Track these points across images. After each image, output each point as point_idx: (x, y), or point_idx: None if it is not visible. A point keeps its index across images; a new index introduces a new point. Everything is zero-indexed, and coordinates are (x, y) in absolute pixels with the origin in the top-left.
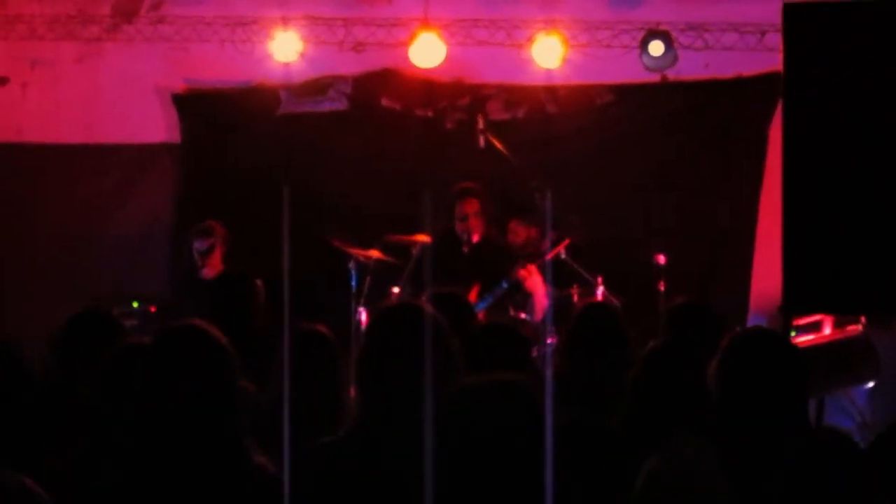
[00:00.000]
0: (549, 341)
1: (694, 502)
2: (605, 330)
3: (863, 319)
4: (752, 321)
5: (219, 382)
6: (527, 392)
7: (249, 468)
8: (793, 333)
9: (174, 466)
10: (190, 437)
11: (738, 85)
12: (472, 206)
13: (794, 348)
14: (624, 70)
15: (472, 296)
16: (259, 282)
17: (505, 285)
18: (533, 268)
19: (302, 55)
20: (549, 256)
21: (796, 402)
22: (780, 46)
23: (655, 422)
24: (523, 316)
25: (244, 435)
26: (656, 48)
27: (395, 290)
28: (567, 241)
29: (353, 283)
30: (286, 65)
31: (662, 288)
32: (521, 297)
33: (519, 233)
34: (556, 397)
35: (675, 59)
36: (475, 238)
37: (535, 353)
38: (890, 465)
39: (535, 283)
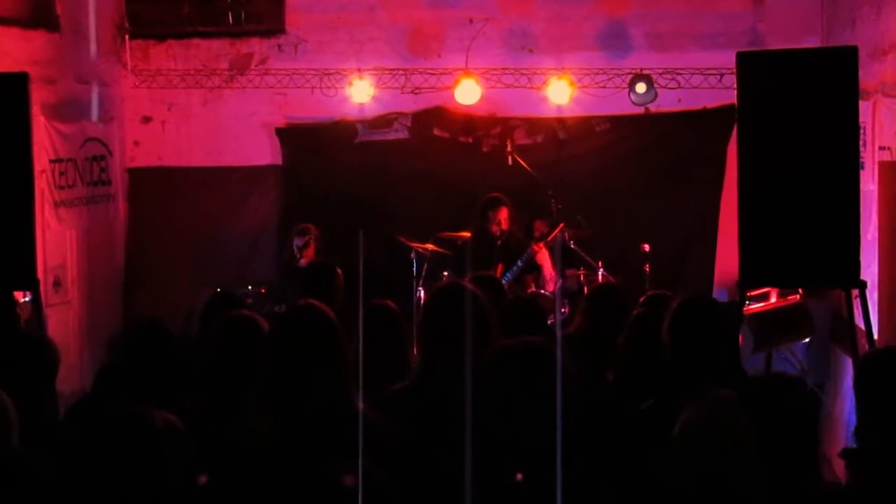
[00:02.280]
0: (562, 310)
1: (726, 446)
2: (615, 303)
3: (801, 291)
4: (717, 293)
5: (332, 346)
6: (547, 351)
7: (355, 411)
8: (747, 302)
9: (295, 413)
10: (309, 388)
11: (704, 115)
12: (503, 214)
13: (720, 308)
14: (616, 105)
15: (498, 272)
16: (339, 269)
17: (520, 263)
18: (541, 245)
19: (373, 97)
20: (550, 238)
21: (729, 351)
22: (735, 85)
23: (640, 374)
24: (542, 292)
25: (352, 389)
26: (641, 88)
27: (445, 273)
28: (561, 225)
29: (414, 269)
30: (361, 105)
31: (648, 269)
32: (535, 272)
33: (538, 228)
34: (568, 354)
35: (656, 95)
36: (504, 235)
37: (550, 321)
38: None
39: (544, 257)
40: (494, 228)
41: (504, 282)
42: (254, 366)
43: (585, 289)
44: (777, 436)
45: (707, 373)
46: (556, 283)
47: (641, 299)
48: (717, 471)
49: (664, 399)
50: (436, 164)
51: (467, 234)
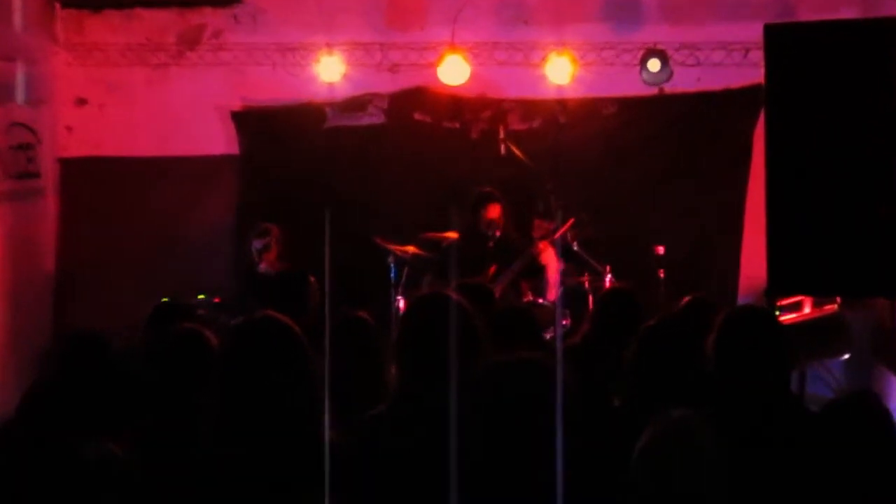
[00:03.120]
0: (563, 323)
1: (686, 470)
2: (628, 312)
3: (838, 300)
4: (741, 302)
5: (296, 365)
6: (545, 368)
7: (322, 440)
8: (777, 313)
9: (254, 443)
10: (269, 414)
11: (726, 96)
12: (495, 211)
13: (780, 324)
14: (626, 85)
15: (491, 270)
16: (313, 278)
17: (517, 266)
18: (546, 244)
19: (344, 76)
20: (557, 235)
21: (783, 373)
22: (763, 62)
23: (651, 396)
24: (540, 301)
25: (318, 411)
26: (654, 65)
27: (426, 280)
28: (572, 221)
29: (393, 275)
30: (330, 84)
31: (662, 275)
32: (535, 277)
33: (538, 228)
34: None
35: (671, 74)
36: (497, 234)
37: (548, 335)
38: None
39: (549, 256)
40: (486, 227)
41: (496, 288)
42: (204, 388)
43: (590, 297)
44: (864, 463)
45: (758, 394)
46: (558, 291)
47: (683, 301)
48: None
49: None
50: (417, 154)
51: (454, 235)
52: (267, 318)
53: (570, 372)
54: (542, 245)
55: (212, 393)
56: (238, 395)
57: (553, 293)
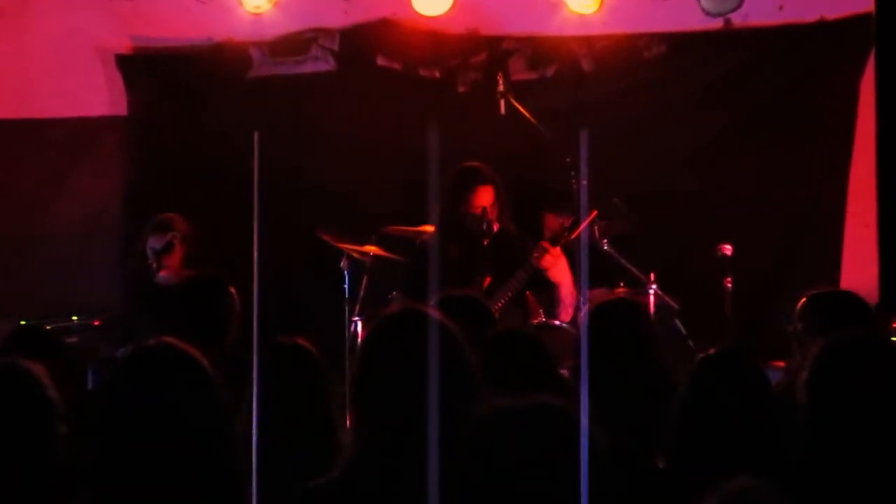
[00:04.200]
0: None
1: None
2: (624, 334)
3: None
4: None
5: (205, 415)
6: (563, 417)
7: None
8: (894, 339)
9: None
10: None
11: (821, 31)
12: (488, 195)
13: None
14: (678, 16)
15: (486, 281)
16: (233, 289)
17: (520, 276)
18: (558, 250)
19: (277, 4)
20: (575, 234)
21: None
22: None
23: (707, 456)
24: (556, 323)
25: (239, 482)
26: None
27: (395, 293)
28: (594, 214)
29: (346, 286)
30: (257, 16)
31: (730, 284)
32: (546, 290)
33: (550, 224)
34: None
35: (742, 0)
36: (495, 227)
37: (566, 371)
38: None
39: (561, 270)
40: (475, 220)
41: (493, 304)
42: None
43: None
44: None
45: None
46: (578, 308)
47: (801, 302)
48: None
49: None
50: (380, 115)
51: (430, 229)
52: (164, 348)
53: (597, 421)
54: (552, 251)
55: (84, 453)
56: (122, 458)
57: (569, 312)
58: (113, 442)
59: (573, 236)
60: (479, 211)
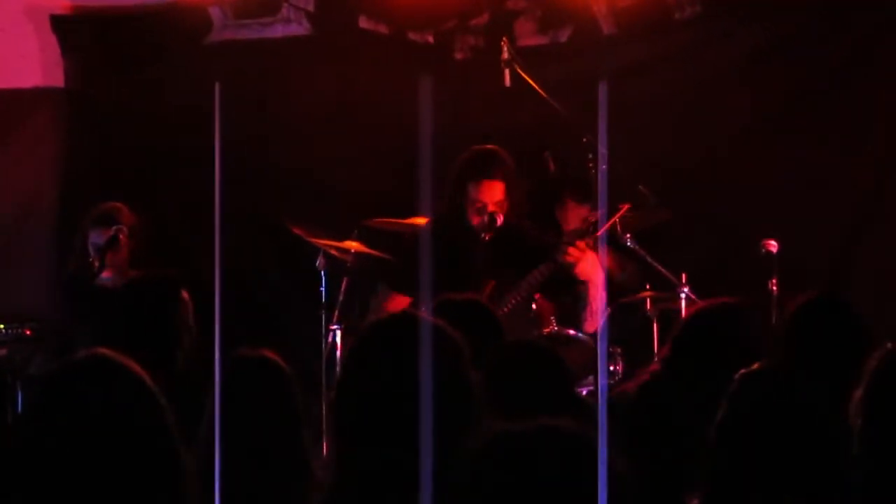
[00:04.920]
0: (610, 369)
1: None
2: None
3: None
4: None
5: (151, 442)
6: (580, 443)
7: None
8: None
9: None
10: None
11: None
12: (496, 186)
13: None
14: None
15: (489, 286)
16: (185, 292)
17: (536, 277)
18: (584, 247)
19: None
20: (602, 230)
21: None
22: None
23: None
24: (572, 333)
25: None
26: None
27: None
28: (627, 206)
29: (323, 289)
30: None
31: (776, 288)
32: (569, 290)
33: (571, 217)
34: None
35: None
36: (498, 222)
37: (585, 389)
38: None
39: (591, 266)
40: (476, 214)
41: (499, 310)
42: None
43: (655, 326)
44: None
45: None
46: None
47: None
48: None
49: None
50: (363, 87)
51: (423, 222)
52: (98, 362)
53: (620, 449)
54: (580, 246)
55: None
56: (48, 495)
57: (597, 320)
58: (38, 476)
59: (600, 232)
60: (483, 205)
